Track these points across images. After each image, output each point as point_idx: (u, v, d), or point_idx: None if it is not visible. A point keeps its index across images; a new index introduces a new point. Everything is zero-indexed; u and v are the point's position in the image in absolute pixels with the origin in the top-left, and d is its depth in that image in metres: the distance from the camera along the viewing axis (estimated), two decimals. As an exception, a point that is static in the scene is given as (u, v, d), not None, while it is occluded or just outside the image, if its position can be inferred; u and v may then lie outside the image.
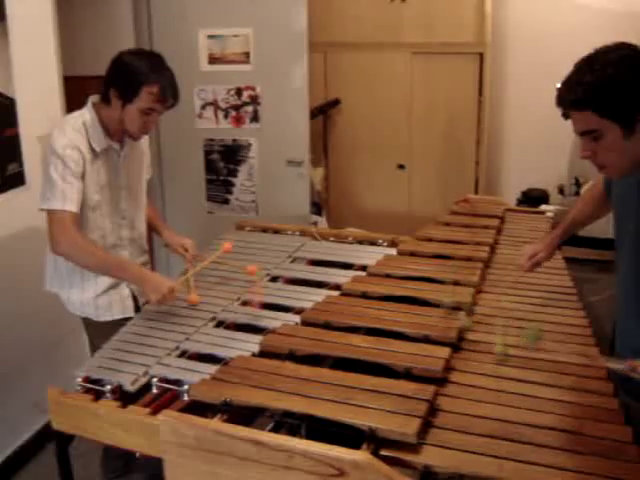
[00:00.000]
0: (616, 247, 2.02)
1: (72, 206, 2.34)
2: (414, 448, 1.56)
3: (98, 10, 4.22)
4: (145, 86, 2.35)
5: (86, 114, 2.47)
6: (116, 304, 2.63)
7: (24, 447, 3.24)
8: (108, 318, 2.60)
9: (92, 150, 2.45)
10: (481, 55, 5.02)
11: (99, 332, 2.48)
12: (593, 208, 2.34)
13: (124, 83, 2.37)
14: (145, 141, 2.76)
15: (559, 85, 1.73)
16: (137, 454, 1.84)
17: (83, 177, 2.40)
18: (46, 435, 3.02)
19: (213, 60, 4.19)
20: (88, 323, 2.65)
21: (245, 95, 4.21)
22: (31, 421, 3.27)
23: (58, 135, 2.40)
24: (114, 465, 2.98)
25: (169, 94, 2.40)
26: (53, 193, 2.34)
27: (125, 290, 2.65)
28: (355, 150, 5.52)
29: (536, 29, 5.29)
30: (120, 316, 2.59)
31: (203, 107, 4.29)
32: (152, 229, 2.90)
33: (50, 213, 2.35)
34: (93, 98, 2.51)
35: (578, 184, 5.27)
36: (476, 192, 5.22)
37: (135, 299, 2.70)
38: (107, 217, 2.57)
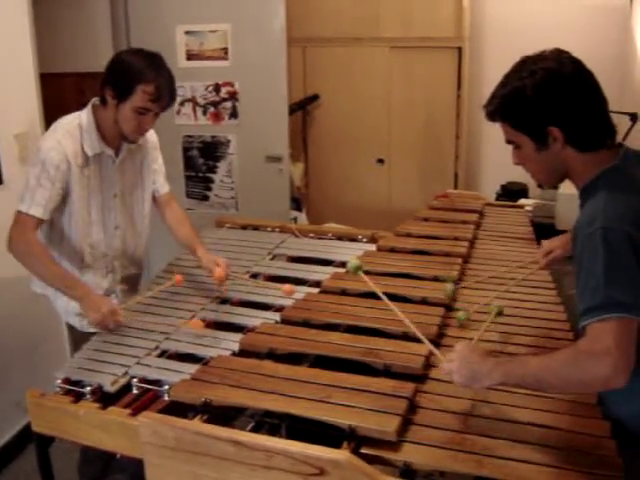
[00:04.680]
0: None
1: (37, 211, 2.30)
2: (394, 446, 1.57)
3: (75, 6, 4.19)
4: (140, 84, 2.28)
5: (83, 116, 2.42)
6: None
7: (6, 446, 3.23)
8: (92, 330, 2.56)
9: (84, 154, 2.40)
10: (460, 49, 5.03)
11: (82, 340, 2.45)
12: None
13: (119, 81, 2.31)
14: (154, 150, 2.68)
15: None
16: (117, 455, 1.84)
17: (65, 183, 2.35)
18: (28, 434, 3.00)
19: (191, 56, 4.17)
20: (72, 328, 2.63)
21: (223, 91, 4.20)
22: (13, 420, 3.25)
23: (48, 136, 2.37)
24: (92, 469, 2.94)
25: (165, 94, 2.34)
26: (25, 194, 2.32)
27: (113, 302, 2.62)
28: (334, 145, 5.51)
29: (515, 23, 5.29)
30: None
31: (181, 103, 4.26)
32: (187, 248, 2.68)
33: (17, 213, 2.33)
34: (95, 100, 2.45)
35: (557, 178, 5.27)
36: (456, 186, 5.23)
37: None
38: (98, 225, 2.52)
